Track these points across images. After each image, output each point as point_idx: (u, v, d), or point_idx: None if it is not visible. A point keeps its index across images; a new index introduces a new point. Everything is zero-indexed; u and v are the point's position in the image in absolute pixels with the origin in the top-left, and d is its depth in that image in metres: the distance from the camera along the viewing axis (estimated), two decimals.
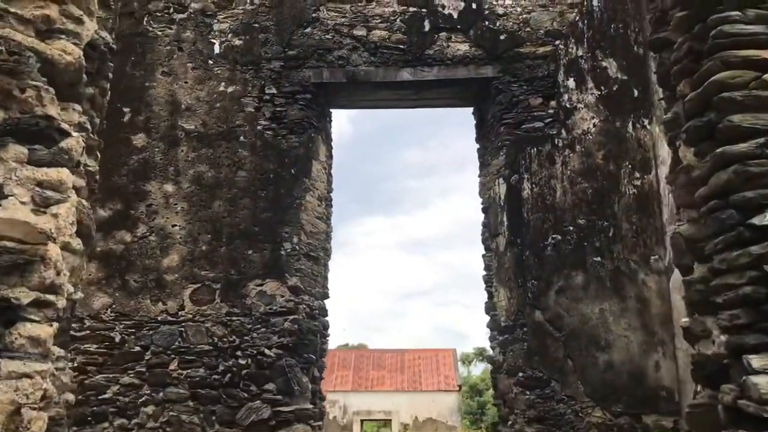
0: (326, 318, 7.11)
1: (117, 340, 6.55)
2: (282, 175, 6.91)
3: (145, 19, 7.35)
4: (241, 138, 7.02)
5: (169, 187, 6.92)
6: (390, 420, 29.98)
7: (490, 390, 57.21)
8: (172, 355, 6.50)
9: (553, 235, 6.66)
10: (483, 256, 7.13)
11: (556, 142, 6.88)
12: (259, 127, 7.04)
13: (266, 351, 6.46)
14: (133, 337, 6.56)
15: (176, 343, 6.53)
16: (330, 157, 7.48)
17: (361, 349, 39.88)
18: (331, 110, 7.68)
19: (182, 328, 6.58)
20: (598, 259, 6.57)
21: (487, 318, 7.03)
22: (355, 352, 34.70)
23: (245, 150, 6.99)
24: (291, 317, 6.57)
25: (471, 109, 7.73)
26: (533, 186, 6.79)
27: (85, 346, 6.53)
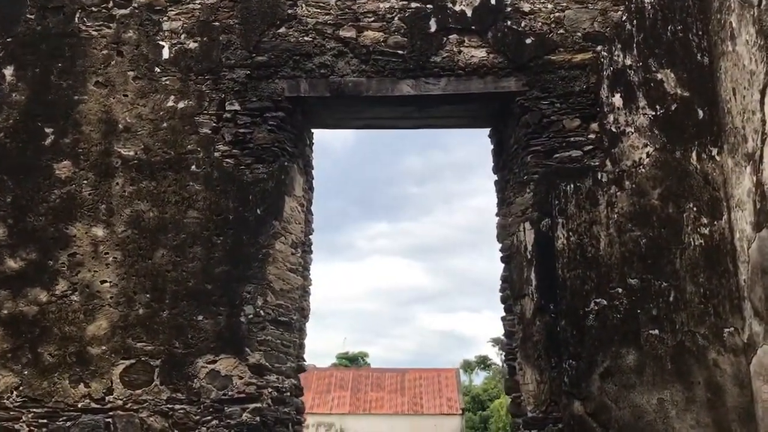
0: (300, 398, 5.55)
1: None
2: (244, 217, 5.36)
3: (77, 15, 5.81)
4: (194, 167, 5.47)
5: (99, 231, 5.36)
6: None
7: (492, 402, 56.05)
8: None
9: (597, 299, 5.08)
10: (503, 319, 5.57)
11: (599, 177, 5.31)
12: (216, 154, 5.49)
13: None
14: (45, 430, 5.00)
15: None
16: (309, 190, 5.92)
17: (359, 369, 38.33)
18: (311, 131, 6.14)
19: (109, 419, 5.01)
20: (656, 332, 5.00)
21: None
22: (353, 371, 33.18)
23: (198, 183, 5.43)
24: (252, 406, 5.00)
25: (488, 131, 6.17)
26: (570, 234, 5.22)
27: None
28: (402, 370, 31.73)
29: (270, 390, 5.08)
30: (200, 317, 5.15)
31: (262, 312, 5.15)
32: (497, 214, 5.84)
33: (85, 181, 5.46)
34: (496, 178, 5.98)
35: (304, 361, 5.65)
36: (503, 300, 5.59)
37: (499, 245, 5.73)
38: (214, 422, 4.95)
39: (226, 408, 4.98)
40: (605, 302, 5.07)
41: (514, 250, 5.42)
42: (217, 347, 5.10)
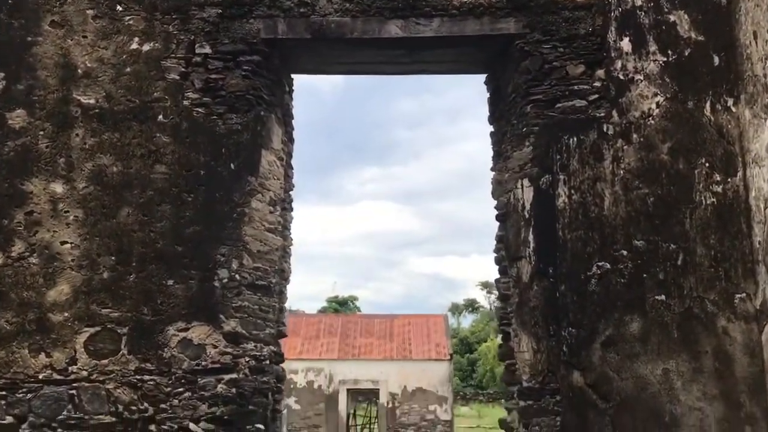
0: (281, 364, 5.19)
1: None
2: (217, 172, 4.89)
3: None
4: (161, 117, 4.97)
5: (58, 187, 4.89)
6: (377, 389, 28.56)
7: (480, 345, 56.27)
8: (59, 430, 4.58)
9: (599, 263, 4.71)
10: (497, 281, 5.19)
11: (604, 129, 4.87)
12: (185, 102, 4.98)
13: (191, 426, 4.55)
14: (3, 402, 4.63)
15: (65, 413, 4.61)
16: (289, 142, 5.45)
17: (348, 315, 38.37)
18: (291, 76, 5.62)
19: (73, 391, 4.64)
20: (662, 297, 4.65)
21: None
22: (342, 317, 33.11)
23: (165, 135, 4.95)
24: (227, 377, 4.64)
25: (483, 77, 5.67)
26: (572, 192, 4.80)
27: None
28: (391, 316, 31.64)
29: (247, 359, 4.70)
30: (170, 282, 4.74)
31: (237, 276, 4.74)
32: (492, 169, 5.39)
33: (41, 132, 4.96)
34: (491, 129, 5.51)
35: (284, 326, 5.28)
36: (497, 261, 5.19)
37: (494, 201, 5.30)
38: (187, 394, 4.60)
39: (199, 379, 4.61)
40: (608, 266, 4.69)
41: (511, 209, 4.99)
42: (189, 314, 4.70)
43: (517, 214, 4.94)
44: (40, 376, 4.65)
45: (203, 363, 4.63)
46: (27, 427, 4.58)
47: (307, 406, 27.66)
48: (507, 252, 5.03)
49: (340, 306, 62.36)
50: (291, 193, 5.48)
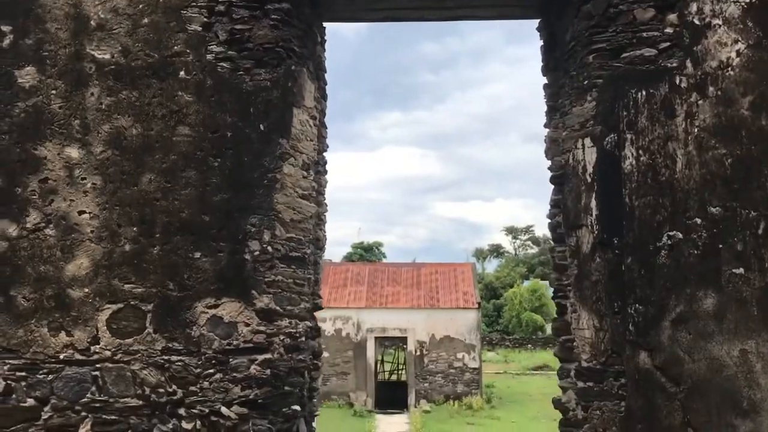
0: (317, 339, 4.84)
1: (0, 388, 4.34)
2: (245, 134, 4.45)
3: None
4: (182, 74, 4.51)
5: (74, 152, 4.49)
6: (405, 337, 28.56)
7: (506, 290, 56.33)
8: (83, 413, 4.29)
9: (670, 232, 4.22)
10: (552, 250, 4.75)
11: (677, 82, 4.32)
12: (209, 57, 4.52)
13: (223, 410, 4.23)
14: (23, 384, 4.34)
15: (88, 395, 4.31)
16: (321, 99, 4.98)
17: (375, 263, 38.25)
18: (322, 25, 5.11)
19: (97, 372, 4.34)
20: (740, 270, 4.16)
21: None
22: (369, 266, 32.95)
23: (188, 93, 4.50)
24: (261, 357, 4.29)
25: (535, 23, 5.11)
26: (640, 152, 4.29)
27: None
28: (418, 265, 31.45)
29: (282, 337, 4.35)
30: (197, 254, 4.36)
31: (269, 248, 4.34)
32: (546, 125, 4.89)
33: (53, 92, 4.53)
34: (546, 80, 4.98)
35: (320, 298, 4.91)
36: (552, 228, 4.74)
37: (547, 162, 4.82)
38: (218, 376, 4.26)
39: (231, 360, 4.27)
40: (680, 235, 4.20)
41: (570, 171, 4.51)
42: (218, 289, 4.33)
43: (577, 178, 4.45)
44: (62, 356, 4.34)
45: (234, 342, 4.28)
46: (49, 410, 4.29)
47: (335, 354, 27.77)
48: (565, 219, 4.57)
49: (366, 252, 62.45)
50: (325, 154, 5.04)
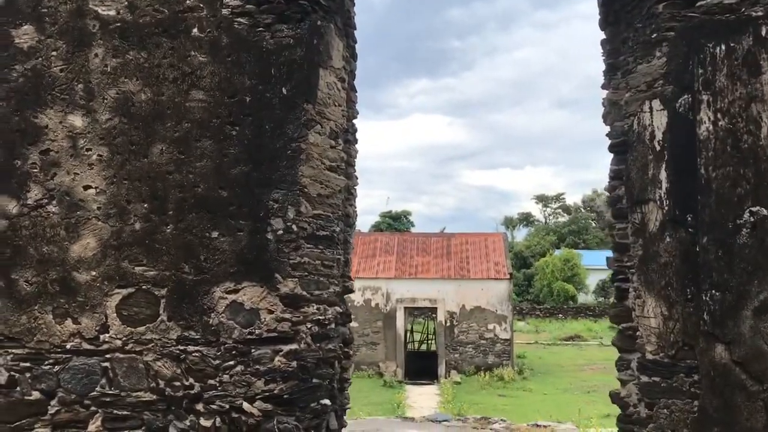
0: (347, 325, 4.40)
1: (2, 380, 3.97)
2: (266, 98, 3.96)
3: None
4: (195, 31, 4.02)
5: (78, 120, 4.05)
6: (435, 308, 28.17)
7: (536, 259, 55.64)
8: (93, 408, 3.91)
9: (753, 208, 3.66)
10: (612, 227, 4.22)
11: (762, 33, 3.72)
12: (224, 11, 4.02)
13: (245, 406, 3.82)
14: (28, 375, 3.97)
15: (98, 388, 3.92)
16: (351, 59, 4.46)
17: (404, 233, 37.75)
18: None
19: (106, 363, 3.94)
20: None
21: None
22: (398, 236, 32.46)
23: (202, 53, 4.01)
24: (286, 348, 3.85)
25: None
26: (718, 116, 3.72)
27: None
28: (448, 235, 30.91)
29: (309, 325, 3.90)
30: (215, 234, 3.92)
31: (294, 226, 3.88)
32: (605, 86, 4.32)
33: (54, 53, 4.08)
34: (604, 35, 4.40)
35: (351, 280, 4.45)
36: (612, 202, 4.20)
37: (606, 128, 4.27)
38: (239, 368, 3.84)
39: (253, 350, 3.85)
40: (765, 212, 3.64)
41: (634, 138, 3.95)
42: (238, 272, 3.89)
43: (644, 145, 3.89)
44: (68, 346, 3.95)
45: (257, 331, 3.85)
46: (56, 404, 3.92)
47: (365, 324, 27.49)
48: (628, 192, 4.03)
49: (394, 221, 62.03)
50: (354, 121, 4.54)
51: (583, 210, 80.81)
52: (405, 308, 28.07)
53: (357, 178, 4.52)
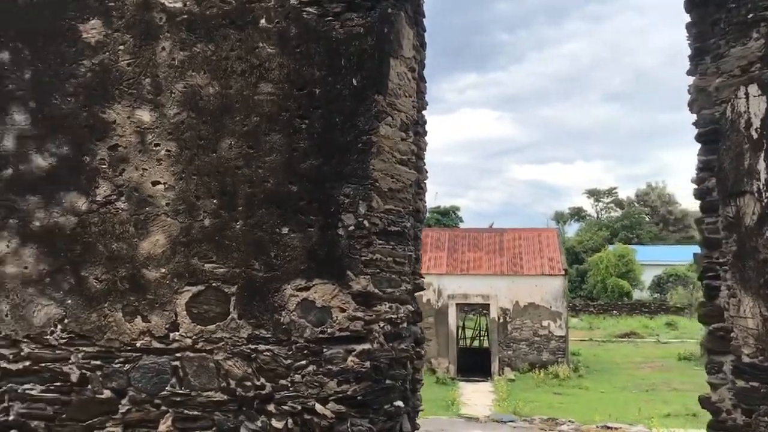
0: (419, 324, 4.25)
1: (74, 378, 3.94)
2: (336, 90, 3.84)
3: None
4: (263, 22, 3.92)
5: (145, 115, 3.99)
6: (488, 304, 27.84)
7: (588, 255, 54.67)
8: (163, 407, 3.85)
9: None
10: (700, 221, 3.97)
11: None
12: (293, 1, 3.90)
13: (318, 407, 3.70)
14: (99, 374, 3.93)
15: (168, 388, 3.86)
16: (421, 48, 4.30)
17: (455, 229, 37.47)
18: None
19: (177, 362, 3.88)
20: None
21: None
22: (449, 231, 32.22)
23: (270, 44, 3.91)
24: (359, 347, 3.73)
25: None
26: None
27: (25, 387, 3.97)
28: (500, 231, 30.47)
29: (381, 324, 3.77)
30: (285, 230, 3.81)
31: (366, 222, 3.74)
32: (691, 72, 4.07)
33: (121, 47, 4.03)
34: (690, 18, 4.14)
35: (421, 278, 4.31)
36: (701, 195, 3.95)
37: (693, 116, 4.02)
38: (311, 368, 3.73)
39: (325, 350, 3.73)
40: None
41: (726, 126, 3.70)
42: (309, 269, 3.77)
43: (738, 134, 3.64)
44: (138, 344, 3.90)
45: (329, 330, 3.73)
46: (127, 403, 3.87)
47: None
48: (720, 184, 3.78)
49: (442, 216, 61.66)
50: (424, 113, 4.39)
51: (636, 205, 79.02)
52: (457, 304, 27.82)
53: (427, 172, 4.37)
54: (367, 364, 3.70)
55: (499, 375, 25.99)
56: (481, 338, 30.91)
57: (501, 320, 27.24)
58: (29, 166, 4.05)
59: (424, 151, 4.35)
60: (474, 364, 27.23)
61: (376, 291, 3.76)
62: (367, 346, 3.71)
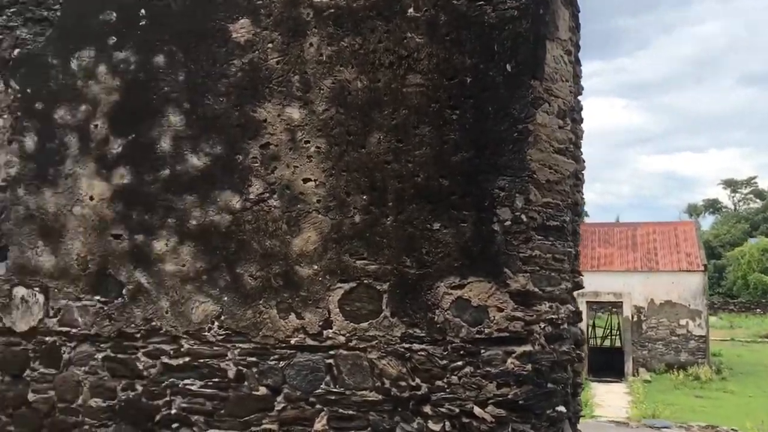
0: (578, 325, 4.00)
1: (231, 374, 3.99)
2: (489, 77, 3.65)
3: None
4: (411, 11, 3.80)
5: (295, 112, 3.98)
6: (620, 302, 26.70)
7: (726, 249, 51.48)
8: (318, 406, 3.83)
9: None
10: None
11: None
12: None
13: (476, 410, 3.55)
14: (255, 370, 3.96)
15: (323, 386, 3.83)
16: (575, 29, 4.04)
17: (585, 223, 36.24)
18: None
19: (330, 360, 3.84)
20: None
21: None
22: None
23: (419, 34, 3.78)
24: (519, 349, 3.53)
25: None
26: None
27: (185, 382, 4.07)
28: (633, 225, 29.14)
29: (542, 325, 3.56)
30: (436, 225, 3.68)
31: (523, 216, 3.54)
32: None
33: (270, 45, 4.04)
34: None
35: (580, 275, 4.05)
36: None
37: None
38: (468, 369, 3.57)
39: (482, 351, 3.56)
40: None
41: None
42: (463, 267, 3.62)
43: None
44: (292, 341, 3.89)
45: (486, 330, 3.56)
46: (282, 401, 3.87)
47: None
48: None
49: None
50: (580, 98, 4.12)
51: None
52: (587, 302, 26.87)
53: (584, 162, 4.11)
54: (528, 366, 3.50)
55: (634, 376, 24.88)
56: (613, 337, 29.72)
57: (635, 319, 26.07)
58: (185, 166, 4.14)
59: (581, 140, 4.10)
60: (605, 364, 26.19)
61: (536, 290, 3.55)
62: (527, 347, 3.51)
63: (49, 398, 4.29)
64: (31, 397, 4.32)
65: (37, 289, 4.34)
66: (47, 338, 4.32)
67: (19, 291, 4.39)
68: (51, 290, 4.32)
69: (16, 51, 4.47)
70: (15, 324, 4.39)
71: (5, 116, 4.48)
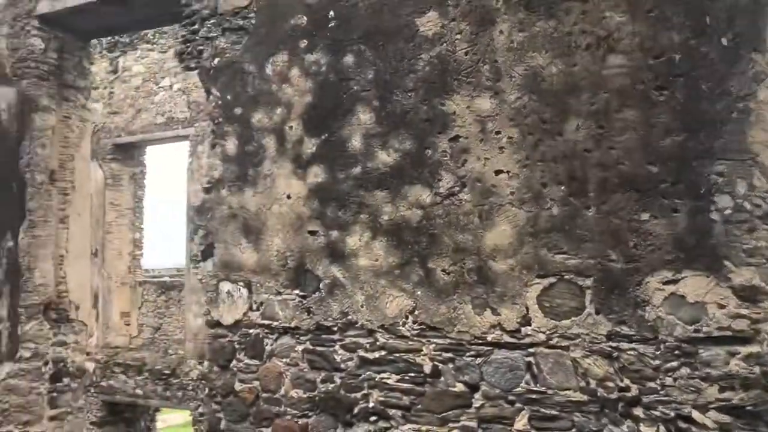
0: None
1: (427, 369, 3.97)
2: (700, 54, 3.34)
3: None
4: None
5: (485, 103, 3.87)
6: None
7: None
8: (518, 405, 3.71)
9: None
10: None
11: None
12: None
13: (695, 415, 3.27)
14: (451, 366, 3.91)
15: (522, 384, 3.71)
16: None
17: None
18: None
19: (530, 358, 3.70)
20: None
21: None
22: None
23: (619, 12, 3.54)
24: (744, 349, 3.21)
25: None
26: None
27: (381, 375, 4.10)
28: None
29: None
30: (644, 216, 3.43)
31: (747, 204, 3.21)
32: None
33: (458, 36, 3.96)
34: None
35: None
36: None
37: None
38: (684, 371, 3.30)
39: (700, 351, 3.28)
40: None
41: None
42: (676, 260, 3.35)
43: None
44: (489, 338, 3.80)
45: (704, 329, 3.27)
46: (480, 398, 3.79)
47: None
48: None
49: None
50: None
51: None
52: None
53: None
54: (756, 369, 3.18)
55: None
56: None
57: None
58: (375, 162, 4.17)
59: None
60: None
61: (763, 284, 3.20)
62: (754, 348, 3.19)
63: (253, 388, 4.51)
64: (237, 386, 4.55)
65: (241, 284, 4.57)
66: (251, 330, 4.53)
67: (225, 286, 4.64)
68: (254, 285, 4.53)
69: (216, 60, 4.72)
70: (222, 317, 4.65)
71: (208, 122, 4.76)
